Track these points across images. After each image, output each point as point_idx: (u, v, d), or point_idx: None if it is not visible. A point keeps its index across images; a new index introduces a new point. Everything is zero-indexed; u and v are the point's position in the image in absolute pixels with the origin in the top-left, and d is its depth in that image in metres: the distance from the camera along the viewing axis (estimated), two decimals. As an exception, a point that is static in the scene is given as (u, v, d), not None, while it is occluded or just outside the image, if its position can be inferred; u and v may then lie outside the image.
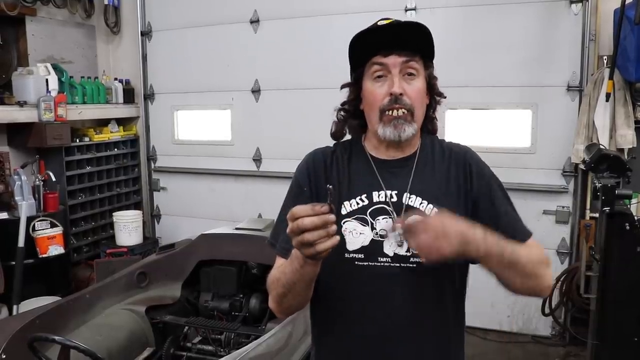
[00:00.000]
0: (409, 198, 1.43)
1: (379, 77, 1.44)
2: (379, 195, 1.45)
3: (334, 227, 1.17)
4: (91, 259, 5.08)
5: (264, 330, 2.97)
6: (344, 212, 1.45)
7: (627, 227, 3.00)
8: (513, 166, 4.36)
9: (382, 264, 1.41)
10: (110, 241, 5.37)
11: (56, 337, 2.14)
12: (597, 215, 3.28)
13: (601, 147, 3.43)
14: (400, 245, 1.40)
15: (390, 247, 1.41)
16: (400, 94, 1.41)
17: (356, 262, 1.42)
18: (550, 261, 1.44)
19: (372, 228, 1.42)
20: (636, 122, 3.93)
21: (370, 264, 1.41)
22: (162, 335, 3.24)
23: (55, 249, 4.44)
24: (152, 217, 6.01)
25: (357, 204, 1.45)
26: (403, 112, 1.42)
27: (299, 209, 1.17)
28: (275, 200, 5.56)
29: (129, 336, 3.02)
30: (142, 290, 3.39)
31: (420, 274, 1.39)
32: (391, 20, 1.44)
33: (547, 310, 4.19)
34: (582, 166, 4.01)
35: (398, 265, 1.40)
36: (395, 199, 1.43)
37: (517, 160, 4.39)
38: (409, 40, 1.43)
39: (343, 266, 1.42)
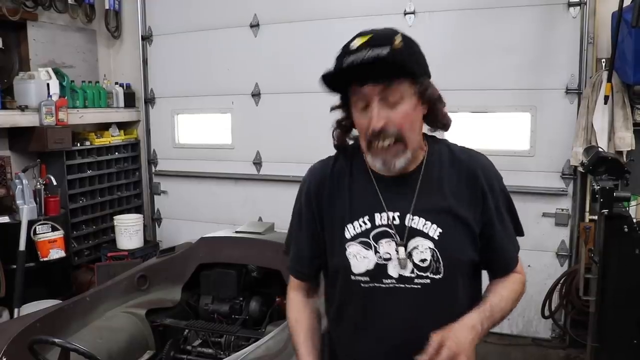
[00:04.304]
0: (412, 220, 1.41)
1: (364, 106, 1.37)
2: (381, 217, 1.43)
3: None
4: (92, 263, 5.09)
5: (264, 333, 2.98)
6: (347, 235, 1.45)
7: (626, 230, 3.01)
8: (512, 169, 4.36)
9: (387, 285, 1.42)
10: (111, 245, 5.39)
11: (56, 340, 2.14)
12: (596, 217, 3.28)
13: (599, 149, 3.43)
14: (403, 268, 1.41)
15: (394, 269, 1.41)
16: (382, 127, 1.34)
17: (362, 285, 1.44)
18: (525, 282, 1.58)
19: (376, 252, 1.42)
20: (634, 124, 3.93)
21: (375, 285, 1.42)
22: (162, 338, 3.25)
23: (56, 253, 4.45)
24: (152, 221, 6.02)
25: (360, 226, 1.44)
26: (390, 143, 1.35)
27: None
28: (276, 204, 5.59)
29: (129, 339, 3.03)
30: (142, 293, 3.39)
31: (427, 293, 1.40)
32: (366, 39, 1.32)
33: (547, 313, 4.19)
34: (580, 169, 4.02)
35: (403, 286, 1.41)
36: (397, 221, 1.42)
37: (517, 163, 4.39)
38: (384, 67, 1.31)
39: (350, 288, 1.45)
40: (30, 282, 4.24)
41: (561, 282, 4.16)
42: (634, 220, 3.05)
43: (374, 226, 1.43)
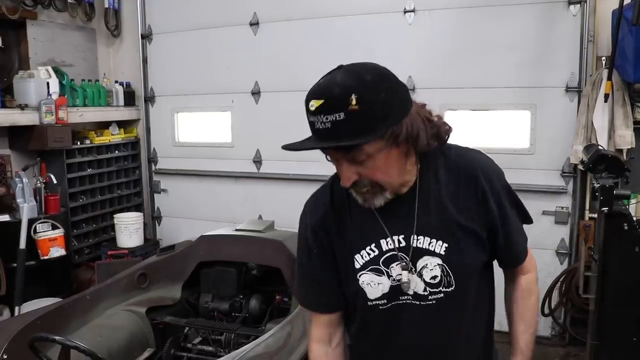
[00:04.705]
0: (417, 240, 1.42)
1: (335, 161, 1.35)
2: (387, 242, 1.43)
3: None
4: (92, 261, 5.10)
5: (264, 330, 2.98)
6: (357, 265, 1.45)
7: (626, 228, 3.00)
8: (512, 167, 4.34)
9: (404, 301, 1.44)
10: (111, 243, 5.38)
11: (57, 337, 2.15)
12: (596, 215, 3.28)
13: (600, 147, 3.43)
14: (407, 291, 1.42)
15: (409, 288, 1.44)
16: (353, 183, 1.33)
17: (380, 307, 1.46)
18: (537, 279, 1.68)
19: (389, 276, 1.43)
20: (635, 122, 3.93)
21: (393, 303, 1.45)
22: (162, 336, 3.25)
23: (57, 251, 4.46)
24: (152, 219, 6.02)
25: (368, 254, 1.45)
26: (367, 189, 1.35)
27: None
28: (276, 202, 5.55)
29: (129, 337, 3.03)
30: (142, 291, 3.40)
31: (442, 307, 1.43)
32: (320, 103, 1.24)
33: (546, 311, 4.20)
34: (580, 167, 4.02)
35: (418, 303, 1.44)
36: (403, 243, 1.43)
37: (516, 161, 4.38)
38: (343, 133, 1.23)
39: (369, 311, 1.47)
40: (30, 280, 4.24)
41: (561, 280, 4.17)
42: (634, 218, 3.05)
43: (381, 252, 1.43)
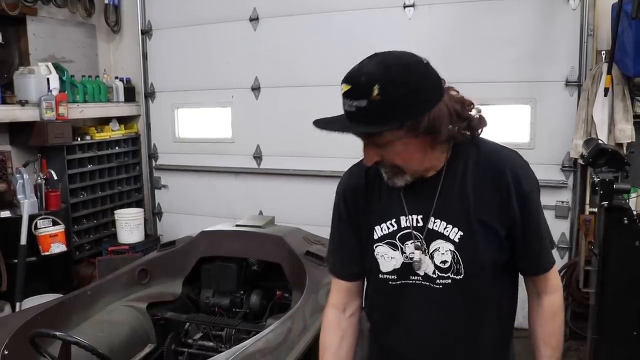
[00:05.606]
0: (434, 222, 1.44)
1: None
2: (406, 220, 1.48)
3: None
4: (93, 257, 5.11)
5: (265, 326, 2.98)
6: (375, 236, 1.51)
7: (626, 222, 3.00)
8: (512, 161, 4.35)
9: (414, 281, 1.48)
10: (112, 239, 5.40)
11: (57, 333, 2.15)
12: (596, 209, 3.27)
13: (599, 141, 3.42)
14: (418, 270, 1.46)
15: (420, 268, 1.47)
16: (375, 163, 1.41)
17: (390, 282, 1.51)
18: (562, 299, 1.65)
19: (402, 252, 1.48)
20: (635, 116, 3.92)
21: (403, 282, 1.49)
22: (163, 331, 3.26)
23: (57, 247, 4.47)
24: (153, 215, 6.03)
25: (387, 228, 1.50)
26: (388, 170, 1.42)
27: None
28: (276, 197, 5.55)
29: (130, 333, 3.03)
30: (143, 287, 3.40)
31: (449, 293, 1.45)
32: (347, 88, 1.29)
33: (547, 305, 4.19)
34: (580, 161, 4.01)
35: (427, 284, 1.47)
36: (421, 223, 1.46)
37: (517, 155, 4.37)
38: (364, 118, 1.29)
39: (380, 285, 1.53)
40: (31, 276, 4.25)
41: (561, 274, 4.17)
42: (634, 212, 3.05)
43: (399, 229, 1.48)
